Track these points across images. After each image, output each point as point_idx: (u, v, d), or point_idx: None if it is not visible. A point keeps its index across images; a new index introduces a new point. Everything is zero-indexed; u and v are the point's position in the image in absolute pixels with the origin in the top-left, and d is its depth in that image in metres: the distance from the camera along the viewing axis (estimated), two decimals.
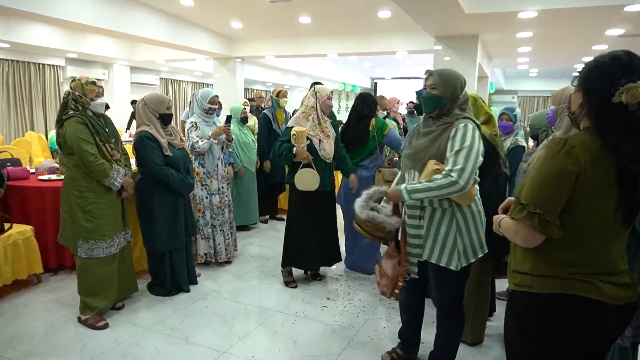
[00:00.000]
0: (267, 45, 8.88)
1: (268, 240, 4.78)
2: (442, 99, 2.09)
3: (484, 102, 2.57)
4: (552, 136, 2.49)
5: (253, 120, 6.66)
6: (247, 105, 6.66)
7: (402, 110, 6.73)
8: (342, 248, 3.91)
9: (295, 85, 17.61)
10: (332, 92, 3.64)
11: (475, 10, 4.79)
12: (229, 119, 3.89)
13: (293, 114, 3.64)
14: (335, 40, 8.34)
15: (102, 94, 2.88)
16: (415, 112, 5.77)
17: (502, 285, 2.85)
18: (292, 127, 3.28)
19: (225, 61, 9.26)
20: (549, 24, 5.44)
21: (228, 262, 4.00)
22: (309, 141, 3.31)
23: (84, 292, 2.85)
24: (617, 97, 1.22)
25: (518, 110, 3.62)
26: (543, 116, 2.87)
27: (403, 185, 2.03)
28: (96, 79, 2.91)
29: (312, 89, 3.46)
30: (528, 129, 4.49)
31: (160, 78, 12.71)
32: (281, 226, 4.43)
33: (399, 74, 15.25)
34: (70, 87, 2.80)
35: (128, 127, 9.53)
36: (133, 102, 10.36)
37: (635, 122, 1.22)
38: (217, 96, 3.91)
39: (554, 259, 1.33)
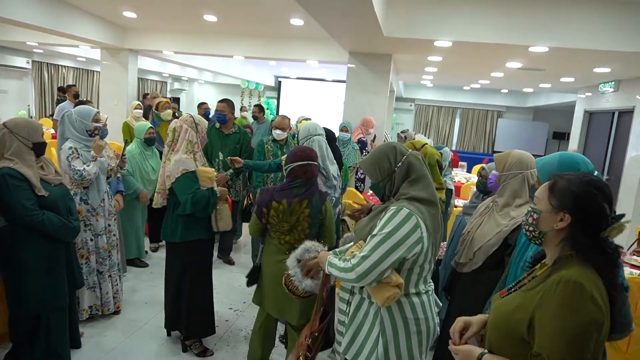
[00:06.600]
0: (165, 40, 7.99)
1: (162, 278, 4.15)
2: (376, 185, 1.86)
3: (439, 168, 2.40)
4: (494, 202, 2.40)
5: None
6: (140, 108, 5.89)
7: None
8: None
9: (195, 78, 16.52)
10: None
11: (394, 34, 4.68)
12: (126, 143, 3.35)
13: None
14: (243, 41, 7.78)
15: None
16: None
17: None
18: (192, 171, 2.73)
19: (115, 52, 8.16)
20: (459, 52, 5.57)
21: (116, 312, 3.38)
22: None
23: None
24: (605, 233, 1.22)
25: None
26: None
27: (330, 254, 1.88)
28: None
29: (191, 119, 2.85)
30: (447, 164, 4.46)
31: (33, 61, 10.84)
32: None
33: (303, 74, 15.05)
34: None
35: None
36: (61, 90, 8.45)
37: (613, 254, 1.24)
38: (99, 112, 3.23)
39: None
